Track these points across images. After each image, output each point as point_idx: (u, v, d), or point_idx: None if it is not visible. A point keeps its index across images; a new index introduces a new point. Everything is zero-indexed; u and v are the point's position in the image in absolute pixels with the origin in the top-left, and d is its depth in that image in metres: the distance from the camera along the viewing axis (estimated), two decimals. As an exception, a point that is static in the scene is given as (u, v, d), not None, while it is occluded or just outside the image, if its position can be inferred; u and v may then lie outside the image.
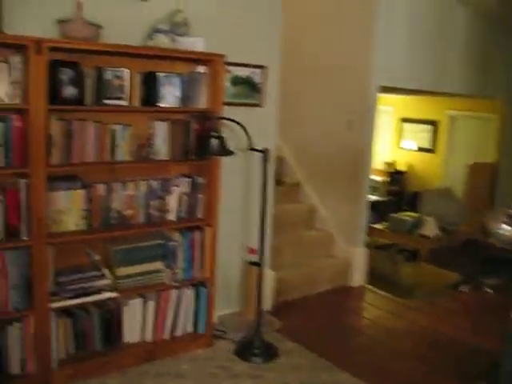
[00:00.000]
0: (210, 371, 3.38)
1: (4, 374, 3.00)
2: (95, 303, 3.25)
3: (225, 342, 3.75)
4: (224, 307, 4.07)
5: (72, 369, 3.16)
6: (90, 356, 3.25)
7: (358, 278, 5.21)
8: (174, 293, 3.52)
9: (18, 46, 2.75)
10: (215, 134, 3.29)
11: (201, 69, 3.39)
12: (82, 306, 3.21)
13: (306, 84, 5.53)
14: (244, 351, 3.60)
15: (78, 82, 2.95)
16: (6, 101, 2.80)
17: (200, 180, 3.52)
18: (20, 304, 2.96)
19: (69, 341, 3.20)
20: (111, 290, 3.24)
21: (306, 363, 3.55)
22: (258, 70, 3.95)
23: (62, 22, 2.93)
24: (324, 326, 4.21)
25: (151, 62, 3.29)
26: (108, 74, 3.06)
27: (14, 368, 3.02)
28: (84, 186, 3.13)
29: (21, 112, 2.83)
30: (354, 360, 3.66)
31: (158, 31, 3.20)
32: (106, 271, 3.27)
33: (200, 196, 3.54)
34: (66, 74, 2.90)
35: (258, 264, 3.69)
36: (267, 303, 4.31)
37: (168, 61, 3.34)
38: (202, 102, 3.42)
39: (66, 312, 3.17)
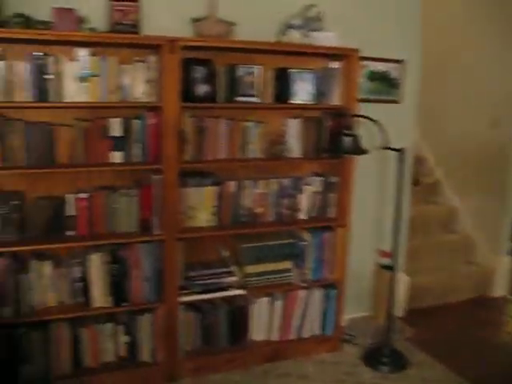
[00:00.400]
0: (334, 376, 3.29)
1: (136, 361, 3.14)
2: (223, 299, 3.28)
3: (352, 346, 3.64)
4: (353, 311, 3.94)
5: (197, 362, 3.22)
6: (215, 351, 3.29)
7: (501, 288, 4.83)
8: (302, 293, 3.45)
9: (154, 46, 2.83)
10: (349, 131, 3.17)
11: (335, 64, 3.28)
12: (209, 301, 3.25)
13: (447, 79, 5.21)
14: (372, 358, 3.46)
15: (210, 79, 2.98)
16: (143, 99, 2.90)
17: (332, 179, 3.42)
18: (151, 296, 3.06)
19: (195, 334, 3.26)
20: (239, 288, 3.24)
21: (436, 377, 3.33)
22: (396, 65, 3.74)
23: (195, 20, 2.97)
24: (460, 339, 3.92)
25: (284, 58, 3.24)
26: (240, 71, 3.06)
27: (145, 356, 3.15)
28: (215, 183, 3.16)
29: (156, 109, 2.91)
30: (490, 378, 3.37)
31: (290, 27, 3.14)
32: (234, 268, 3.29)
33: (332, 195, 3.43)
34: (199, 72, 2.94)
35: (390, 268, 3.52)
36: (399, 309, 4.12)
37: (301, 57, 3.28)
38: (335, 99, 3.32)
39: (193, 306, 3.23)
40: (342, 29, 3.30)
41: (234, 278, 3.26)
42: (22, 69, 2.67)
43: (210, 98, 3.01)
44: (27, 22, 2.64)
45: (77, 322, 2.99)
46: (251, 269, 3.29)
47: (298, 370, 3.33)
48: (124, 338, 3.11)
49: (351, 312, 3.90)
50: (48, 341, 2.92)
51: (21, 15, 2.65)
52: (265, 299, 3.39)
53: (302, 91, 3.21)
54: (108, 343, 3.07)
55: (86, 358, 3.04)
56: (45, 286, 2.90)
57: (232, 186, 3.20)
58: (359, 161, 3.43)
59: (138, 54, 2.89)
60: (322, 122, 3.33)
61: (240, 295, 3.25)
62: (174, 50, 2.77)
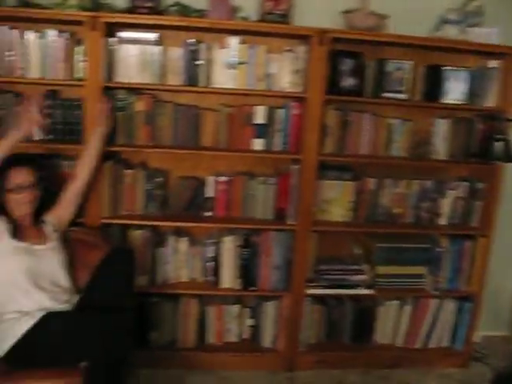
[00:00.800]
0: (458, 394, 3.12)
1: (257, 346, 3.21)
2: (350, 297, 3.24)
3: (482, 366, 3.39)
4: (488, 328, 3.67)
5: (317, 355, 3.21)
6: (337, 347, 3.26)
7: None
8: (433, 302, 3.30)
9: (303, 37, 2.84)
10: (501, 136, 2.96)
11: (493, 63, 3.07)
12: (336, 297, 3.23)
13: None
14: (503, 383, 3.21)
15: (358, 72, 2.95)
16: (288, 89, 2.93)
17: (479, 186, 3.22)
18: (279, 284, 3.09)
19: (318, 328, 3.25)
20: (368, 287, 3.18)
21: None
22: None
23: (346, 12, 2.93)
24: None
25: (437, 54, 3.10)
26: (389, 66, 2.98)
27: (266, 342, 3.21)
28: (355, 178, 3.12)
29: (300, 100, 2.92)
30: None
31: (447, 21, 2.98)
32: (365, 267, 3.23)
33: (477, 203, 3.23)
34: (346, 65, 2.92)
35: (535, 287, 3.26)
36: (542, 334, 3.80)
37: (456, 54, 3.10)
38: (490, 101, 3.11)
39: (320, 299, 3.22)
40: (505, 24, 3.08)
41: (363, 277, 3.20)
42: (176, 54, 2.83)
43: (356, 91, 2.97)
44: (184, 10, 2.78)
45: (205, 299, 3.12)
46: (383, 269, 3.20)
47: (420, 382, 3.18)
48: (249, 322, 3.19)
49: (486, 329, 3.63)
50: (177, 313, 3.07)
51: (178, 4, 2.80)
52: (394, 302, 3.29)
53: (455, 90, 3.06)
54: (233, 324, 3.17)
55: (210, 334, 3.16)
56: (179, 261, 3.06)
57: (371, 182, 3.13)
58: (511, 169, 3.20)
59: (287, 43, 2.93)
60: (472, 124, 3.14)
61: (368, 295, 3.19)
62: (322, 42, 2.76)
